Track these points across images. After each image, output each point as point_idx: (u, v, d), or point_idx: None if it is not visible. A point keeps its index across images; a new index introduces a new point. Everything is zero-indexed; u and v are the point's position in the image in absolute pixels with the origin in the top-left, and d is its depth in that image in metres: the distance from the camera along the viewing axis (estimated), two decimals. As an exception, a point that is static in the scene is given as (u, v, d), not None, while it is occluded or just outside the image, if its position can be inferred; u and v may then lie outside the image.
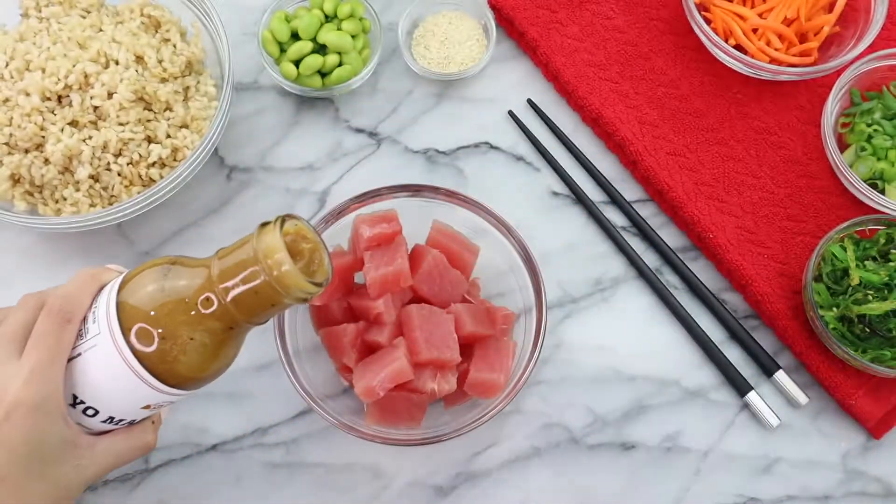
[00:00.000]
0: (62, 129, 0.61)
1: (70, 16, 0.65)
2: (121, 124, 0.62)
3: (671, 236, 0.68)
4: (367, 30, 0.71)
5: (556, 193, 0.70)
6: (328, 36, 0.68)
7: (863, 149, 0.66)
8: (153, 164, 0.63)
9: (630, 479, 0.62)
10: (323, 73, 0.69)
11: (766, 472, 0.62)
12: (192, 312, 0.43)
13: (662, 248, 0.68)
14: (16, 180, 0.63)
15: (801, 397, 0.63)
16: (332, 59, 0.68)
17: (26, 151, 0.62)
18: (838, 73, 0.67)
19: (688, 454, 0.62)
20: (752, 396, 0.63)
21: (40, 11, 0.66)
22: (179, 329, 0.43)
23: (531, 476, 0.62)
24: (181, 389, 0.45)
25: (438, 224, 0.61)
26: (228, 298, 0.42)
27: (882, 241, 0.62)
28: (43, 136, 0.61)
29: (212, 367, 0.45)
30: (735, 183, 0.67)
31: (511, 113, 0.72)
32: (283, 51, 0.70)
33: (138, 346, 0.43)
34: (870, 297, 0.60)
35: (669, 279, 0.67)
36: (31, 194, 0.63)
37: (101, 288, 0.46)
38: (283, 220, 0.43)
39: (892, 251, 0.61)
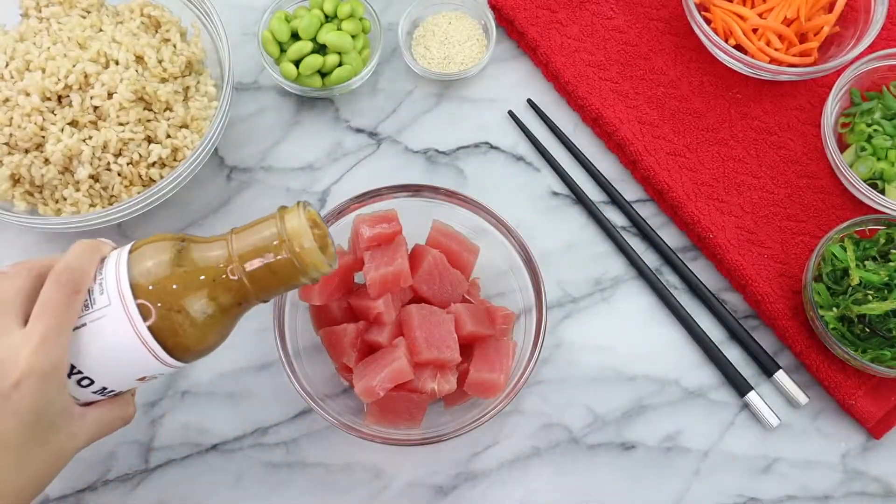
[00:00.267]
0: (62, 129, 0.61)
1: (70, 16, 0.65)
2: (121, 124, 0.62)
3: (671, 236, 0.68)
4: (367, 30, 0.71)
5: (556, 193, 0.70)
6: (328, 36, 0.68)
7: (863, 149, 0.66)
8: (153, 164, 0.63)
9: (630, 479, 0.62)
10: (323, 73, 0.70)
11: (766, 472, 0.62)
12: (209, 286, 0.44)
13: (662, 248, 0.68)
14: (16, 180, 0.63)
15: (801, 397, 0.63)
16: (332, 59, 0.68)
17: (26, 151, 0.62)
18: (838, 73, 0.67)
19: (688, 454, 0.62)
20: (752, 396, 0.63)
21: (40, 11, 0.66)
22: (194, 302, 0.44)
23: (531, 476, 0.62)
24: (181, 362, 0.46)
25: (438, 224, 0.61)
26: (246, 273, 0.44)
27: (882, 241, 0.62)
28: (43, 136, 0.61)
29: (215, 340, 0.47)
30: (735, 183, 0.67)
31: (511, 113, 0.72)
32: (283, 51, 0.70)
33: (151, 318, 0.44)
34: (870, 297, 0.60)
35: (669, 279, 0.67)
36: (31, 194, 0.63)
37: (102, 260, 0.47)
38: (304, 205, 0.45)
39: (892, 251, 0.61)
